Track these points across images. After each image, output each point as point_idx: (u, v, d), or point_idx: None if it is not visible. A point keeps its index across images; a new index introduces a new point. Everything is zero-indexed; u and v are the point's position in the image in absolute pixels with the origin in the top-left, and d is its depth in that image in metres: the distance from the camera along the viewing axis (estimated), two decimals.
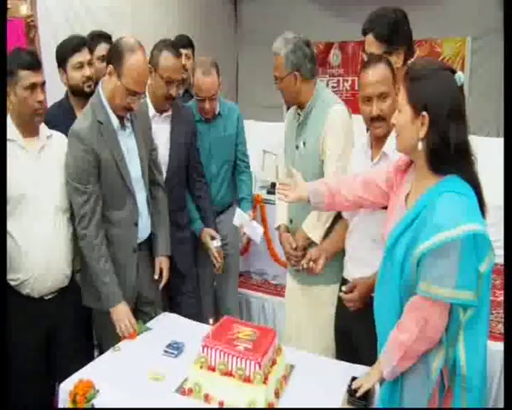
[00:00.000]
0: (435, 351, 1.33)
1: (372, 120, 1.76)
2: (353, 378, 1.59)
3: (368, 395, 1.54)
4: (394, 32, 1.97)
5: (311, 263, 1.95)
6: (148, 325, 2.02)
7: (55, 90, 2.42)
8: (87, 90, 2.29)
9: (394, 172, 1.57)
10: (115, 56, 1.87)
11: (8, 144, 1.82)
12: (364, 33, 2.05)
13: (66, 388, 1.63)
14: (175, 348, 1.82)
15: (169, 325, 2.05)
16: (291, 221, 2.24)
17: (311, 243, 2.12)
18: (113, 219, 1.99)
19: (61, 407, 1.66)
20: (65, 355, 2.00)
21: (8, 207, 1.81)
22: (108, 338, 1.98)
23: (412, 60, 1.90)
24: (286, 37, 2.08)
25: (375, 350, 1.57)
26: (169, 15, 4.07)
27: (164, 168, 2.35)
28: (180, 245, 2.40)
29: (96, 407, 1.54)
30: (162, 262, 2.18)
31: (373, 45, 2.00)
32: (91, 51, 2.44)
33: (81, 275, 2.06)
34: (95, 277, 1.94)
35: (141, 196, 2.07)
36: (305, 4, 5.25)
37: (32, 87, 1.83)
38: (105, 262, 1.92)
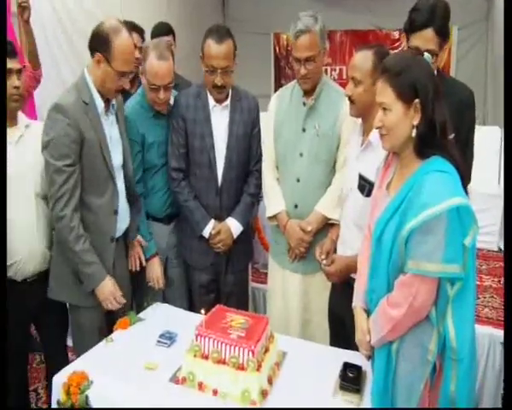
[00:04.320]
0: (429, 332, 1.36)
1: (348, 100, 1.85)
2: (345, 364, 1.61)
3: (360, 379, 1.57)
4: (447, 24, 1.86)
5: (324, 259, 1.97)
6: (141, 315, 2.02)
7: (51, 86, 2.44)
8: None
9: (381, 174, 1.61)
10: (101, 42, 1.83)
11: None
12: (419, 28, 1.84)
13: (59, 380, 1.63)
14: (168, 338, 1.82)
15: (161, 315, 2.05)
16: (296, 206, 2.20)
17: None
18: (93, 205, 1.92)
19: (54, 399, 1.65)
20: (52, 335, 2.15)
21: None
22: (83, 337, 1.98)
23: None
24: (308, 14, 2.05)
25: None
26: (157, 6, 4.03)
27: (221, 162, 2.27)
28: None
29: (91, 397, 1.55)
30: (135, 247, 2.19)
31: (433, 42, 1.82)
32: None
33: (53, 267, 2.01)
34: (76, 259, 1.87)
35: (120, 185, 2.04)
36: None
37: (9, 72, 1.87)
38: (84, 242, 1.86)
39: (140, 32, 2.85)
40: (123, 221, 2.08)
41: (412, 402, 1.40)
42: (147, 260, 2.25)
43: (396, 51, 1.99)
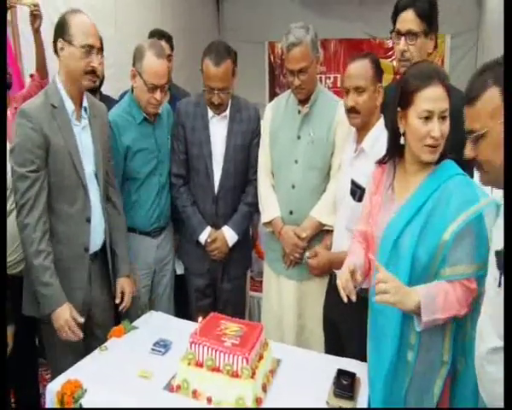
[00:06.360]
0: (438, 371, 1.41)
1: (348, 111, 1.84)
2: (339, 371, 1.61)
3: (354, 386, 1.57)
4: (433, 13, 1.85)
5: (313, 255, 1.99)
6: (135, 323, 2.02)
7: None
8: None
9: (377, 178, 1.63)
10: (61, 28, 1.81)
11: None
12: (400, 10, 1.87)
13: (53, 388, 1.62)
14: (162, 346, 1.82)
15: (156, 323, 2.04)
16: (291, 212, 2.21)
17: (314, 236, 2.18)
18: (63, 213, 1.84)
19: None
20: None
21: None
22: (55, 352, 1.90)
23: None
24: (299, 26, 2.07)
25: (360, 342, 1.61)
26: (152, 16, 4.05)
27: (218, 170, 2.30)
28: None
29: (85, 406, 1.54)
30: (124, 283, 2.05)
31: (413, 22, 1.83)
32: None
33: (24, 279, 1.92)
34: (33, 275, 1.77)
35: (94, 194, 1.94)
36: (287, 3, 5.27)
37: None
38: (45, 258, 1.75)
39: (168, 39, 2.84)
40: (97, 234, 1.97)
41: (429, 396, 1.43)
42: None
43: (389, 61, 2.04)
